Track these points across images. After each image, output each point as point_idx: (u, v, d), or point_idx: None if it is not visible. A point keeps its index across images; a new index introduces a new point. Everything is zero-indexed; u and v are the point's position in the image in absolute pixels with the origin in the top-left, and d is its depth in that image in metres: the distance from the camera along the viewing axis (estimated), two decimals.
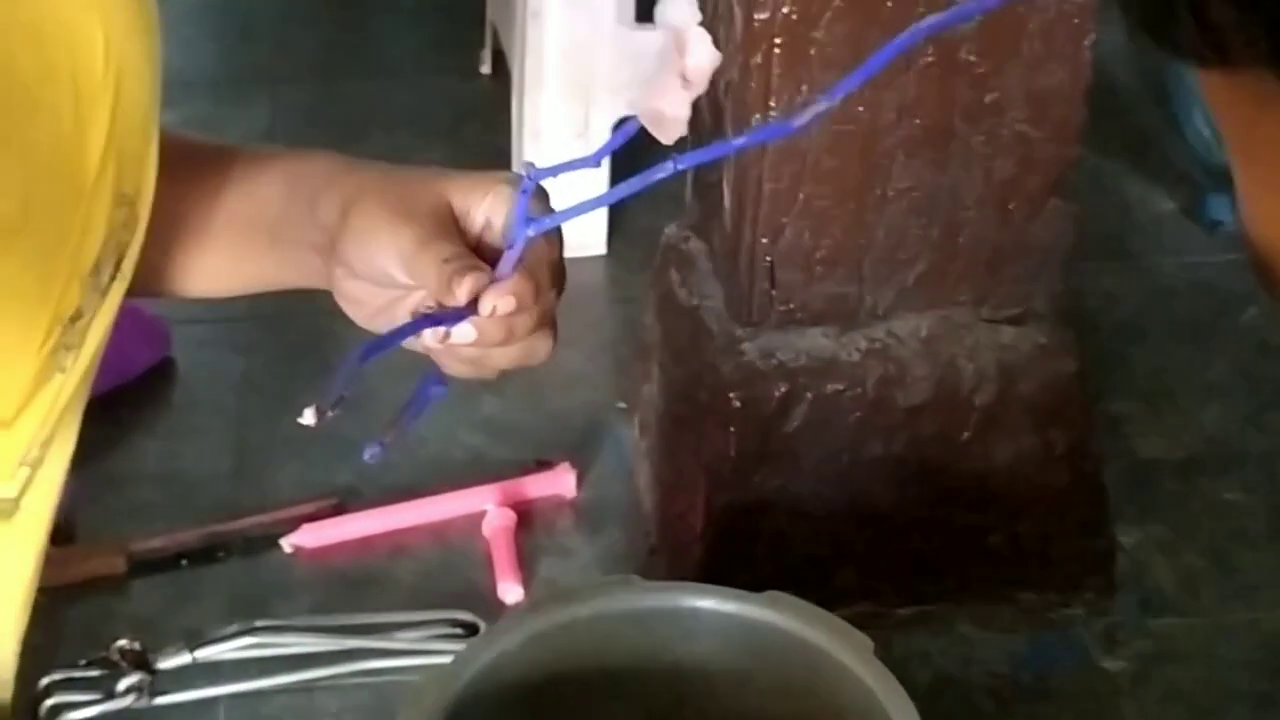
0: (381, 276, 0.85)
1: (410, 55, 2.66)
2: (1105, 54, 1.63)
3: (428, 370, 0.87)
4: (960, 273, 1.62)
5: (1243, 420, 1.95)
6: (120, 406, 1.90)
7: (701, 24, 0.72)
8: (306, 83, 2.59)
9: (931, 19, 0.72)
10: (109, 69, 0.82)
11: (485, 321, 0.82)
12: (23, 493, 0.86)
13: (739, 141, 0.75)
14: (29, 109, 0.80)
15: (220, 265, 0.95)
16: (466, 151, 2.41)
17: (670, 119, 0.73)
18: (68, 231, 0.82)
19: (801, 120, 0.75)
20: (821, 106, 0.75)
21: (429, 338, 0.83)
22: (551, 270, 0.85)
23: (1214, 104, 0.44)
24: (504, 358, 0.86)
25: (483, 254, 0.84)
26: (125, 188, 0.84)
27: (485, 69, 2.57)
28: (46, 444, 0.87)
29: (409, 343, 0.85)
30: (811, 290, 1.61)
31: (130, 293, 0.88)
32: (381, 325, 0.87)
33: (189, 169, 0.93)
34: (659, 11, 0.73)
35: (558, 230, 0.86)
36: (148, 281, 0.91)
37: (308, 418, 0.75)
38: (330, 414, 0.76)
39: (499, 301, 0.81)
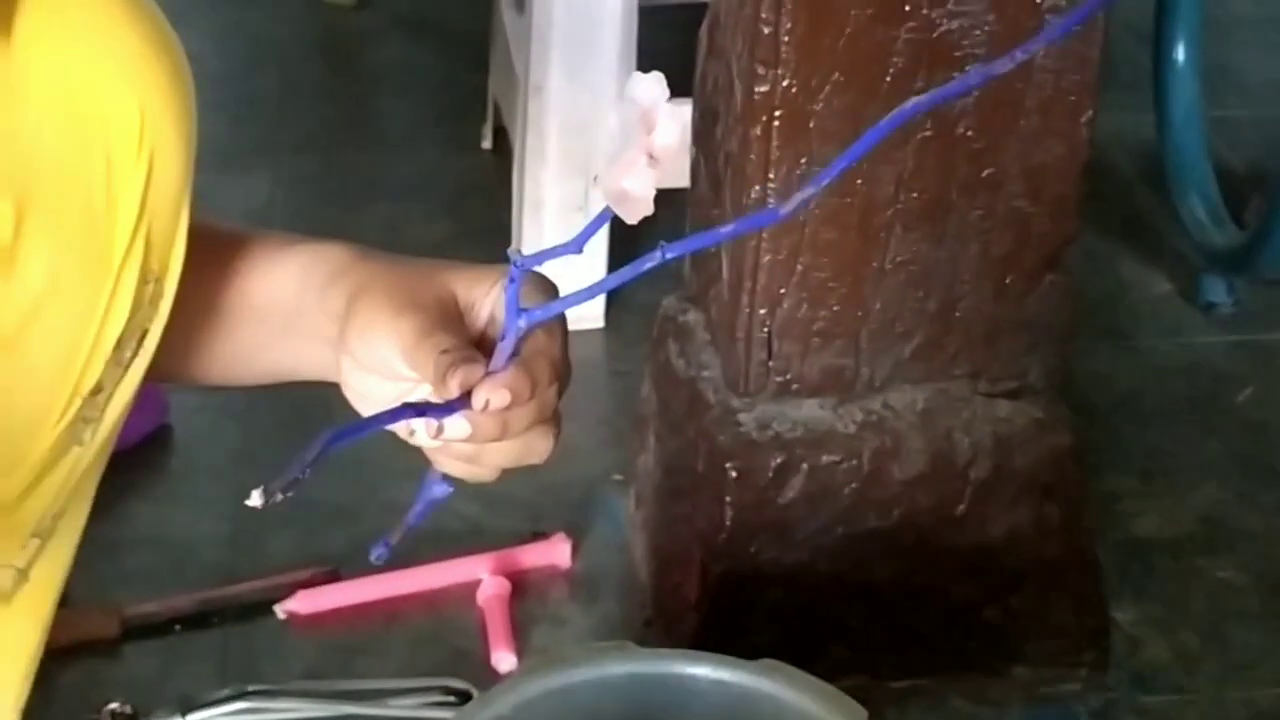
0: (385, 369, 0.84)
1: (413, 129, 2.68)
2: (1103, 137, 1.65)
3: (429, 471, 0.85)
4: (957, 346, 1.63)
5: (1237, 499, 1.95)
6: (117, 472, 1.87)
7: (669, 100, 0.72)
8: (309, 155, 2.60)
9: (914, 101, 0.73)
10: (143, 148, 0.83)
11: (479, 416, 0.80)
12: (31, 564, 0.86)
13: (728, 230, 0.76)
14: (61, 184, 0.81)
15: (234, 353, 0.95)
16: (467, 225, 2.42)
17: (635, 198, 0.71)
18: (94, 306, 0.83)
19: (789, 208, 0.75)
20: (809, 193, 0.75)
21: (422, 436, 0.81)
22: (551, 365, 0.82)
23: None
24: (501, 455, 0.83)
25: (488, 348, 0.82)
26: (153, 265, 0.85)
27: (487, 144, 2.59)
28: (59, 516, 0.87)
29: (407, 438, 0.83)
30: (809, 361, 1.61)
31: (146, 377, 0.88)
32: (379, 404, 0.85)
33: (206, 255, 0.92)
34: (628, 88, 0.72)
35: (561, 325, 0.84)
36: (163, 367, 0.91)
37: (254, 500, 0.72)
38: (280, 497, 0.73)
39: (492, 395, 0.79)
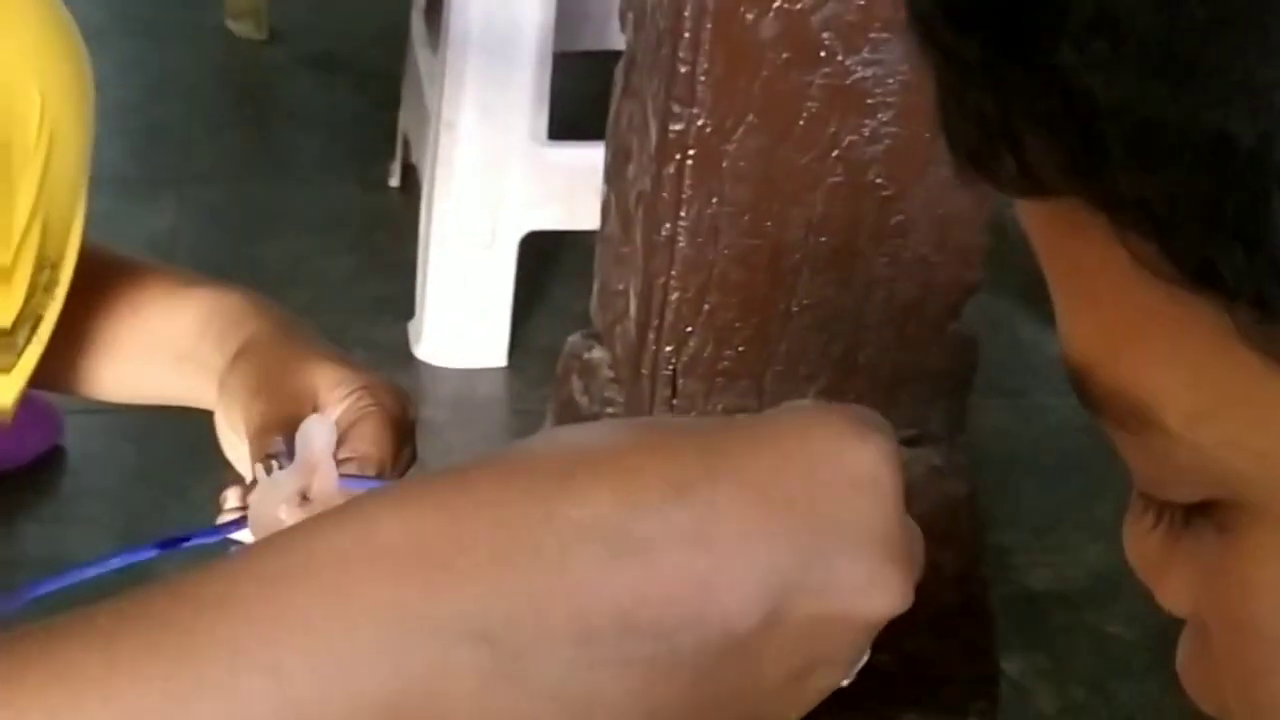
0: (238, 432, 0.86)
1: (319, 164, 2.68)
2: (1003, 198, 1.67)
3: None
4: (859, 391, 1.64)
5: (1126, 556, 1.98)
6: (8, 491, 1.89)
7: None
8: (213, 184, 2.59)
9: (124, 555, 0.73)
10: (43, 133, 0.82)
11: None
12: None
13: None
14: None
15: (126, 376, 0.96)
16: (373, 260, 2.42)
17: (283, 525, 0.75)
18: None
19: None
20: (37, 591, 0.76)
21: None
22: None
23: (1029, 227, 0.46)
24: None
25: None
26: (49, 252, 0.85)
27: (394, 181, 2.59)
28: None
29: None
30: (712, 401, 1.62)
31: (37, 384, 0.88)
32: (239, 462, 0.87)
33: (111, 283, 0.94)
34: (304, 428, 0.77)
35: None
36: (55, 379, 0.92)
37: None
38: None
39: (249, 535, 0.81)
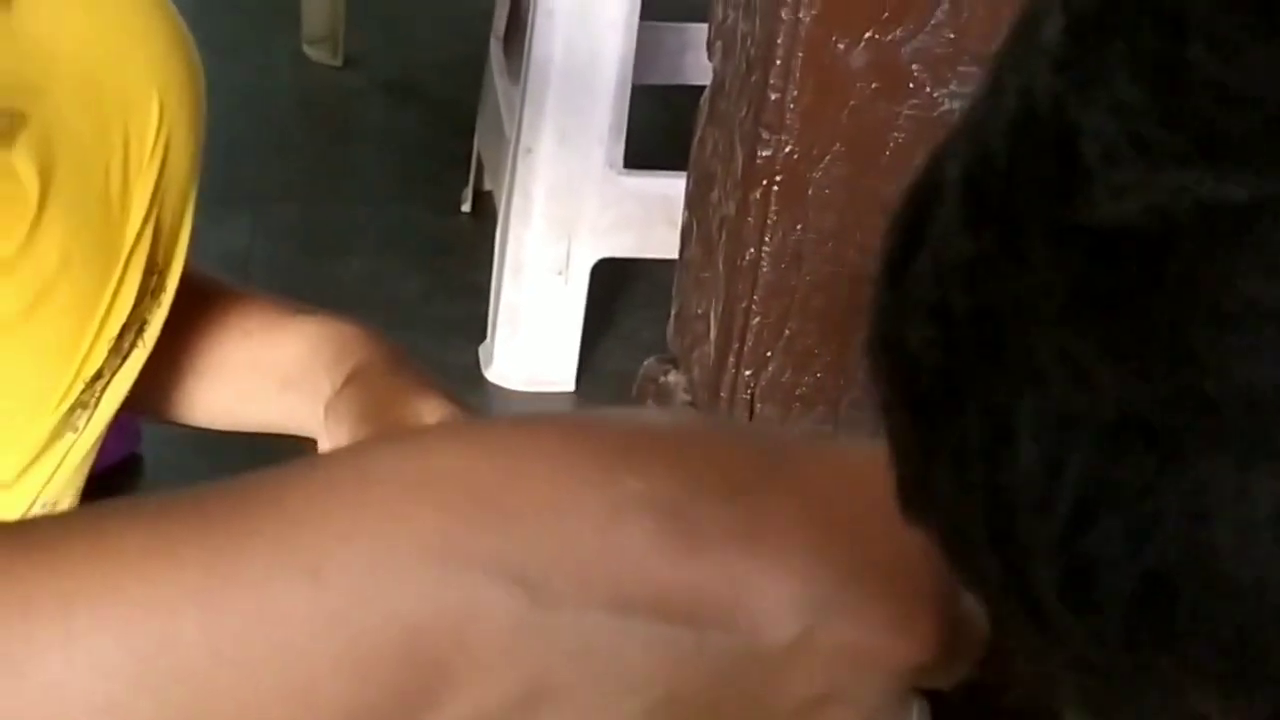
0: None
1: (392, 188, 2.71)
2: None
3: None
4: None
5: None
6: (85, 496, 1.91)
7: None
8: (288, 204, 2.62)
9: None
10: (160, 137, 0.85)
11: None
12: None
13: None
14: (80, 165, 0.83)
15: (229, 400, 0.98)
16: (443, 284, 2.44)
17: None
18: (101, 292, 0.85)
19: None
20: None
21: None
22: None
23: None
24: None
25: None
26: (158, 258, 0.87)
27: (466, 207, 2.62)
28: (49, 507, 0.88)
29: None
30: (789, 426, 1.64)
31: (132, 409, 0.90)
32: None
33: (222, 308, 0.96)
34: None
35: None
36: (152, 404, 0.95)
37: None
38: None
39: None
